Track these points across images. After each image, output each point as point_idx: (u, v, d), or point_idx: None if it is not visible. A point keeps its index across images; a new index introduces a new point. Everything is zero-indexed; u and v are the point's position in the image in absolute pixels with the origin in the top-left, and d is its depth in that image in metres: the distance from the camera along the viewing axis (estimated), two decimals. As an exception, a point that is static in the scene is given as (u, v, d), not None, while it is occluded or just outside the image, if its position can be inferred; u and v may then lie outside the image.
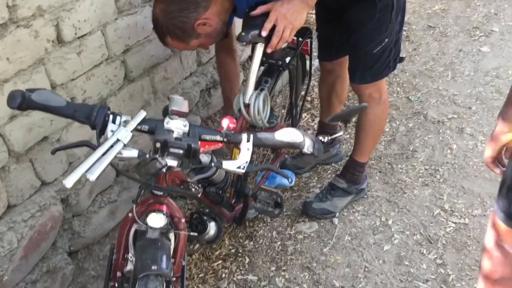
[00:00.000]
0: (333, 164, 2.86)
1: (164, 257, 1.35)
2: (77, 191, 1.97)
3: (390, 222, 2.47)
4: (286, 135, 1.41)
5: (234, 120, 1.42)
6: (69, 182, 1.18)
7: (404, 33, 4.14)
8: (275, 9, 1.79)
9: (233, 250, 2.37)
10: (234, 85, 2.41)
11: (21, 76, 1.66)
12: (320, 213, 2.50)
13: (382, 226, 2.46)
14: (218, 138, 1.39)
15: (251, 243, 2.41)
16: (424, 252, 2.31)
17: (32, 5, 1.63)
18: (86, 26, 1.86)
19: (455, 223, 2.43)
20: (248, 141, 1.38)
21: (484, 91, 3.35)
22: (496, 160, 1.39)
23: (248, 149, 1.38)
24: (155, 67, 2.30)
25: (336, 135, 1.68)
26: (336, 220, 2.50)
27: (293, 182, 2.34)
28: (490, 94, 3.32)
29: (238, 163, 1.37)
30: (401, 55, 2.29)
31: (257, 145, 1.41)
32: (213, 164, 1.40)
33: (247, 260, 2.33)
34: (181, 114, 1.33)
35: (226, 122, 1.40)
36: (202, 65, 2.68)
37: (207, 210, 1.96)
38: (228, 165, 1.38)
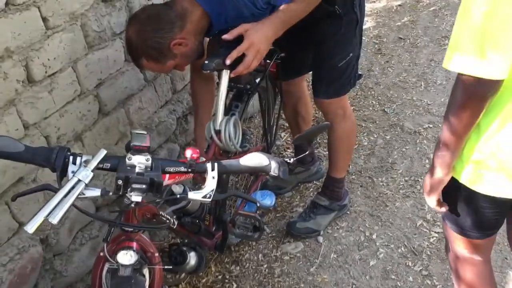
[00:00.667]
0: (314, 182, 2.87)
1: None
2: (56, 230, 1.94)
3: (374, 236, 2.48)
4: (251, 159, 1.41)
5: (197, 150, 1.42)
6: (30, 227, 1.16)
7: (376, 46, 4.22)
8: (248, 38, 1.79)
9: (219, 277, 2.36)
10: (209, 113, 2.42)
11: (-8, 119, 1.65)
12: (305, 232, 2.50)
13: (366, 241, 2.47)
14: (182, 169, 1.38)
15: (238, 268, 2.40)
16: (410, 264, 2.32)
17: (0, 47, 1.62)
18: (56, 63, 1.85)
19: (437, 233, 2.46)
20: (213, 169, 1.38)
21: (457, 99, 3.41)
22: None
23: (213, 177, 1.38)
24: (130, 98, 2.30)
25: (301, 155, 1.69)
26: (321, 239, 2.50)
27: (273, 203, 2.34)
28: (463, 101, 3.38)
29: (204, 192, 1.36)
30: (358, 72, 2.34)
31: (222, 172, 1.40)
32: (178, 196, 1.39)
33: (234, 286, 2.31)
34: (142, 149, 1.33)
35: (189, 153, 1.40)
36: (177, 92, 2.69)
37: (186, 241, 1.94)
38: (195, 195, 1.38)
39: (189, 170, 1.39)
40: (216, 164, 1.39)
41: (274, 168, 1.39)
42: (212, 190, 1.36)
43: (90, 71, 2.02)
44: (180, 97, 2.71)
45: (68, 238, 2.01)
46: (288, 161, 1.45)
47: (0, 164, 1.68)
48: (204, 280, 2.34)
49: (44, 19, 1.78)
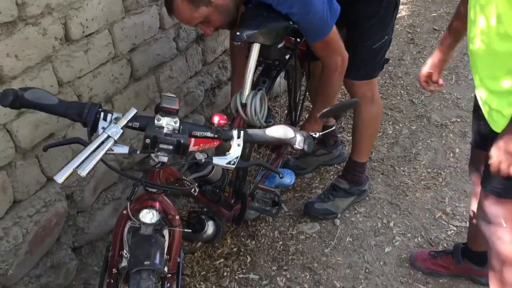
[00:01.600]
0: (335, 165, 2.88)
1: (158, 253, 1.37)
2: (81, 187, 1.99)
3: (391, 224, 2.49)
4: (277, 131, 1.42)
5: (225, 117, 1.43)
6: (60, 177, 1.20)
7: (409, 35, 4.16)
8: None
9: (235, 249, 2.39)
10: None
11: (29, 73, 1.68)
12: (322, 213, 2.51)
13: (383, 228, 2.47)
14: (209, 134, 1.40)
15: (253, 242, 2.43)
16: (425, 254, 2.32)
17: (41, 3, 1.65)
18: (94, 24, 1.88)
19: (456, 226, 2.45)
20: (238, 137, 1.40)
21: (488, 95, 3.36)
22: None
23: (238, 145, 1.39)
24: (161, 66, 2.32)
25: (327, 130, 1.69)
26: (337, 221, 2.51)
27: (293, 182, 2.36)
28: (494, 98, 3.32)
29: (228, 159, 1.38)
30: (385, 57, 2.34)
31: (247, 141, 1.42)
32: (203, 160, 1.40)
33: (249, 259, 2.34)
34: (171, 111, 1.34)
35: (216, 119, 1.42)
36: (207, 64, 2.70)
37: (205, 209, 1.97)
38: (219, 160, 1.39)
39: (216, 135, 1.40)
40: (242, 132, 1.41)
41: (299, 141, 1.40)
42: (237, 157, 1.38)
43: (125, 35, 2.04)
44: (209, 69, 2.72)
45: (92, 197, 2.06)
46: (314, 135, 1.46)
47: (33, 118, 1.72)
48: (219, 251, 2.38)
49: (86, -21, 1.80)
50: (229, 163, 1.38)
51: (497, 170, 1.48)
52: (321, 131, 1.58)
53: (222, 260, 2.34)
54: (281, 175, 1.52)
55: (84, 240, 2.08)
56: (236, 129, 1.41)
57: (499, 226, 1.62)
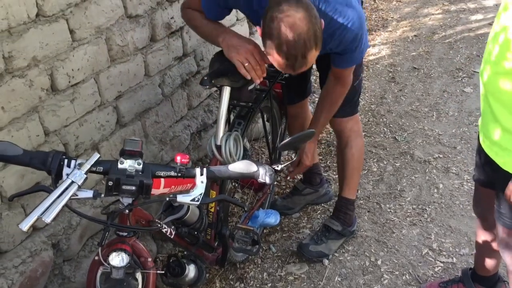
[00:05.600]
0: (322, 204, 2.90)
1: None
2: (68, 235, 1.98)
3: (379, 262, 2.49)
4: (240, 166, 1.47)
5: (187, 156, 1.48)
6: (24, 225, 1.21)
7: (390, 74, 4.27)
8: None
9: (223, 293, 2.38)
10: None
11: (15, 124, 1.71)
12: (316, 256, 2.51)
13: (371, 266, 2.48)
14: (172, 173, 1.43)
15: (242, 285, 2.41)
16: (414, 292, 2.32)
17: (27, 55, 1.69)
18: (80, 74, 1.92)
19: (443, 262, 2.46)
20: (201, 174, 1.44)
21: (468, 131, 3.44)
22: None
23: (202, 182, 1.43)
24: (147, 112, 2.36)
25: (288, 163, 1.73)
26: (326, 261, 2.51)
27: (277, 221, 2.39)
28: (474, 133, 3.40)
29: (192, 196, 1.42)
30: None
31: (211, 177, 1.45)
32: (168, 198, 1.43)
33: (238, 302, 2.33)
34: (134, 153, 1.37)
35: (179, 158, 1.46)
36: (193, 108, 2.75)
37: (185, 253, 1.98)
38: (183, 198, 1.42)
39: (179, 174, 1.43)
40: (204, 169, 1.45)
41: (262, 174, 1.45)
42: (201, 194, 1.42)
43: (111, 83, 2.08)
44: (195, 113, 2.77)
45: (79, 245, 2.06)
46: (276, 167, 1.50)
47: (19, 168, 1.73)
48: (208, 295, 2.36)
49: (72, 31, 1.85)
50: (193, 200, 1.42)
51: None
52: (283, 164, 1.62)
53: (211, 304, 2.32)
54: (245, 208, 1.56)
55: (70, 289, 2.06)
56: (199, 167, 1.45)
57: None
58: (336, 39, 1.84)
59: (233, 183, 2.47)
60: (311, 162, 2.23)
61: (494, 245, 1.96)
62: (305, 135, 1.70)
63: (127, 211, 1.42)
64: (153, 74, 2.36)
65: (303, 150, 2.18)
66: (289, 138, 1.64)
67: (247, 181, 2.34)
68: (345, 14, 1.79)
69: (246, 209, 1.58)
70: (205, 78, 1.86)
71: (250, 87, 2.09)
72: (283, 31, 1.54)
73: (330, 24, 1.78)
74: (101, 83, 2.04)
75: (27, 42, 1.68)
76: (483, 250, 2.06)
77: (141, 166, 1.36)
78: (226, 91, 1.98)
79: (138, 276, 1.48)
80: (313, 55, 1.62)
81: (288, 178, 1.91)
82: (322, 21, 1.65)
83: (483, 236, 2.03)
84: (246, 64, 1.82)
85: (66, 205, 1.27)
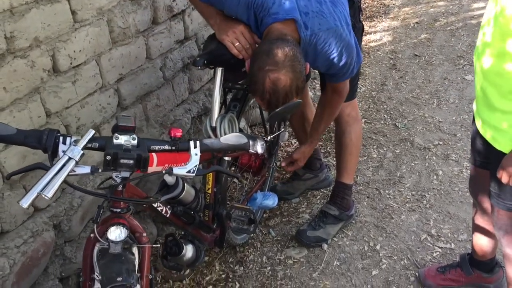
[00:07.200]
0: (322, 190, 2.91)
1: (130, 270, 1.38)
2: (69, 217, 1.99)
3: (378, 247, 2.51)
4: (231, 138, 1.52)
5: (180, 130, 1.50)
6: (25, 202, 1.22)
7: (391, 61, 4.26)
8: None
9: (223, 276, 2.40)
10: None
11: (17, 104, 1.71)
12: (314, 241, 2.53)
13: (370, 251, 2.49)
14: (167, 147, 1.46)
15: (241, 268, 2.44)
16: (411, 277, 2.34)
17: (29, 36, 1.69)
18: (81, 56, 1.92)
19: (441, 248, 2.48)
20: (195, 147, 1.46)
21: (469, 118, 3.44)
22: None
23: (196, 154, 1.46)
24: (148, 95, 2.36)
25: (277, 133, 1.75)
26: (325, 245, 2.53)
27: (275, 204, 2.40)
28: (475, 121, 3.41)
29: (188, 168, 1.44)
30: None
31: (204, 150, 1.48)
32: (164, 171, 1.45)
33: (237, 285, 2.35)
34: (128, 129, 1.38)
35: (173, 132, 1.48)
36: (194, 92, 2.74)
37: (183, 233, 1.99)
38: (179, 170, 1.45)
39: (173, 148, 1.45)
40: (198, 142, 1.47)
41: (252, 145, 1.50)
42: (196, 166, 1.45)
43: (112, 66, 2.08)
44: (196, 97, 2.77)
45: (80, 226, 2.07)
46: (266, 138, 1.52)
47: (21, 149, 1.74)
48: (208, 278, 2.38)
49: (73, 12, 1.84)
50: (189, 171, 1.45)
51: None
52: (271, 134, 1.63)
53: (210, 287, 2.34)
54: (239, 179, 1.58)
55: (71, 270, 2.07)
56: (193, 140, 1.47)
57: None
58: (327, 66, 1.91)
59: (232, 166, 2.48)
60: (303, 164, 2.35)
61: (491, 228, 1.98)
62: (293, 105, 1.73)
63: (121, 187, 1.43)
64: (155, 57, 2.35)
65: (300, 150, 2.26)
66: (278, 109, 1.67)
67: (245, 162, 2.35)
68: (335, 46, 1.82)
69: (239, 179, 1.61)
70: (198, 58, 1.89)
71: (244, 68, 2.10)
72: (267, 83, 1.65)
73: (319, 56, 1.84)
74: (102, 65, 2.03)
75: (29, 22, 1.68)
76: (480, 234, 2.08)
77: (136, 140, 1.38)
78: (219, 72, 1.99)
79: (135, 250, 1.49)
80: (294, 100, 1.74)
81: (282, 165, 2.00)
82: (307, 64, 1.77)
83: (480, 219, 2.05)
84: (237, 44, 1.86)
85: (65, 181, 1.28)
